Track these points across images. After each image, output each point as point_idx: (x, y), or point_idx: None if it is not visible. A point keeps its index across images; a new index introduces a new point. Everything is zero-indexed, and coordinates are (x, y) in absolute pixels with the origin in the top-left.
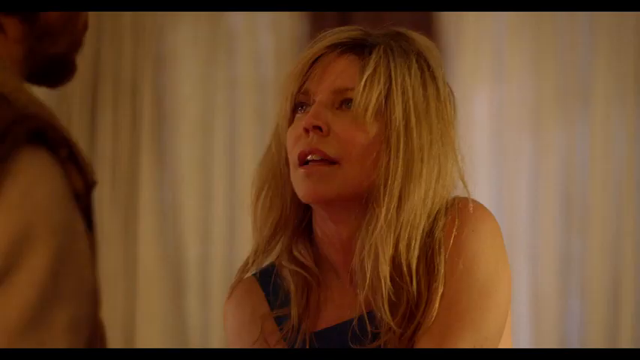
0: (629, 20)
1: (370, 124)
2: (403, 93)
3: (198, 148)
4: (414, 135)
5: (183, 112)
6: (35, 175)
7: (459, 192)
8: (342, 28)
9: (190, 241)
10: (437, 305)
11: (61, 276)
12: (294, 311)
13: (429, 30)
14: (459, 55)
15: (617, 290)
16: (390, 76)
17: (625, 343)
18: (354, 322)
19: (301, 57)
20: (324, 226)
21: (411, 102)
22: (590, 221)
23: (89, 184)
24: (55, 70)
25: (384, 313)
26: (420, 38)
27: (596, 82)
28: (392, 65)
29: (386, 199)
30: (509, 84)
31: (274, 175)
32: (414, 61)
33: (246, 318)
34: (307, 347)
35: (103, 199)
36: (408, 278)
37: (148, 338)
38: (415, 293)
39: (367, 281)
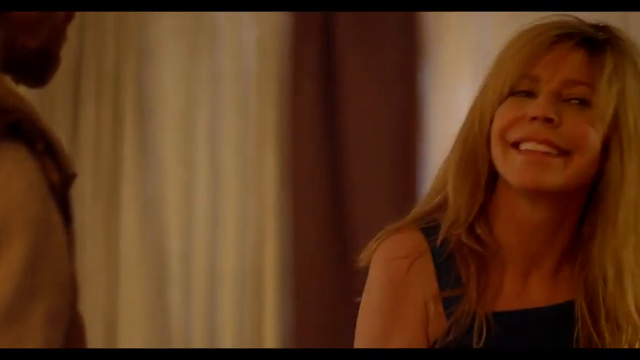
0: (613, 18)
1: (602, 123)
2: (634, 97)
3: (181, 141)
4: None
5: (166, 105)
6: (11, 169)
7: None
8: (567, 17)
9: (172, 234)
10: None
11: (37, 269)
12: (472, 293)
13: (411, 20)
14: (441, 49)
15: None
16: (624, 78)
17: None
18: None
19: (529, 39)
20: (516, 208)
21: (638, 108)
22: None
23: (67, 177)
24: (37, 64)
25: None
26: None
27: None
28: (626, 67)
29: (623, 205)
30: None
31: (473, 153)
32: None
33: (416, 282)
34: (484, 328)
35: (85, 191)
36: None
37: (130, 330)
38: None
39: (609, 288)
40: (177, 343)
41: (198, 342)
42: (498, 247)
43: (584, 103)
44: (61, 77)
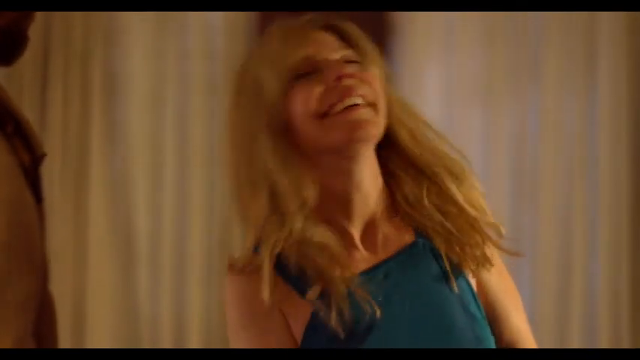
0: (582, 17)
1: (380, 79)
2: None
3: (149, 120)
4: None
5: (134, 84)
6: None
7: None
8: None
9: (141, 213)
10: None
11: (12, 250)
12: (339, 282)
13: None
14: (410, 30)
15: (567, 264)
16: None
17: (575, 314)
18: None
19: (285, 34)
20: (336, 180)
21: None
22: (540, 196)
23: (37, 158)
24: (5, 43)
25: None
26: None
27: (546, 57)
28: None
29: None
30: (460, 58)
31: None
32: None
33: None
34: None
35: (53, 171)
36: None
37: (98, 310)
38: None
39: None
40: (144, 322)
41: (166, 321)
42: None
43: (357, 63)
44: (29, 56)
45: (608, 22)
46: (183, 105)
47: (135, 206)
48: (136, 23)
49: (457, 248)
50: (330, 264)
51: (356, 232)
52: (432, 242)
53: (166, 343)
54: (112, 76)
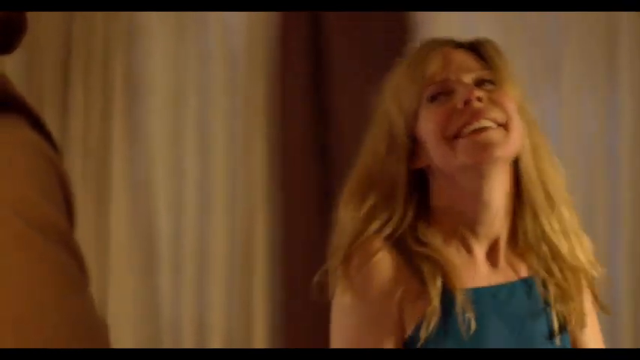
0: (600, 17)
1: (512, 97)
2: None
3: (170, 122)
4: None
5: (155, 87)
6: (18, 140)
7: None
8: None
9: (162, 215)
10: None
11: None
12: (434, 296)
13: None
14: (428, 29)
15: None
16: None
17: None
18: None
19: (421, 58)
20: (465, 199)
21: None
22: None
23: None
24: (4, 31)
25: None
26: None
27: (565, 57)
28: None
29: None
30: None
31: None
32: None
33: (389, 282)
34: (463, 304)
35: (74, 173)
36: None
37: (120, 312)
38: None
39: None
40: (166, 324)
41: (188, 322)
42: (460, 237)
43: (492, 83)
44: (50, 58)
45: (628, 22)
46: (204, 106)
47: (156, 207)
48: (157, 24)
49: (564, 302)
50: (441, 273)
51: (480, 250)
52: (544, 288)
53: (188, 344)
54: (133, 77)
